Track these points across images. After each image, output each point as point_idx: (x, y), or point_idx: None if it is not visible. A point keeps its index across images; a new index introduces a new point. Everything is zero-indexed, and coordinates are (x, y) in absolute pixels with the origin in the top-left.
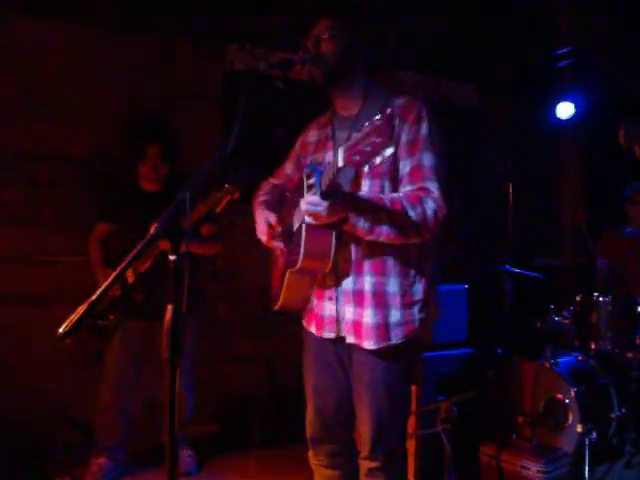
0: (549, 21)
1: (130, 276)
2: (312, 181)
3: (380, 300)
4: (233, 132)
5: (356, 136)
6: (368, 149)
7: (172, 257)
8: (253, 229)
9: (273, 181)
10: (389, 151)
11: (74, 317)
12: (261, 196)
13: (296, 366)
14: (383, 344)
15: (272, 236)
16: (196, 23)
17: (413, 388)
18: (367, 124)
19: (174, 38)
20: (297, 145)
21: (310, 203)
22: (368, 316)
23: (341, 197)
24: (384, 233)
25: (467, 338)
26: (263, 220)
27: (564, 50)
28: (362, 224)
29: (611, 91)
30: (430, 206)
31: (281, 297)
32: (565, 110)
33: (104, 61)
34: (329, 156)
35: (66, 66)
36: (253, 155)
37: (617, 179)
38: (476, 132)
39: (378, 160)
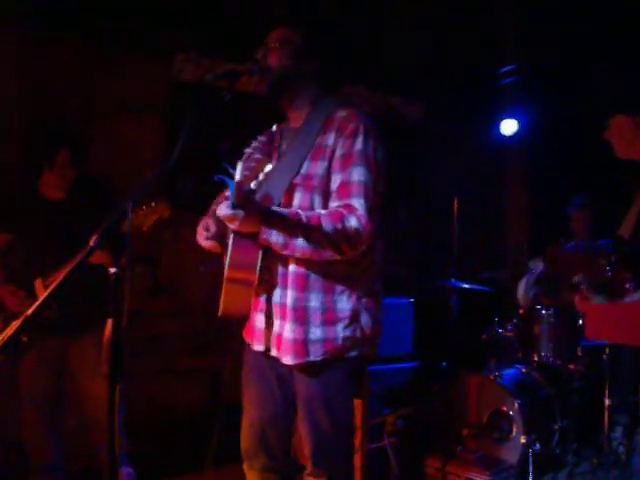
0: (495, 38)
1: (40, 292)
2: (228, 193)
3: (300, 315)
4: (178, 143)
5: (248, 151)
6: (252, 165)
7: (112, 270)
8: (198, 244)
9: (227, 193)
10: (268, 167)
11: (7, 332)
12: (212, 205)
13: (240, 381)
14: (300, 360)
15: (205, 237)
16: (143, 34)
17: (359, 402)
18: (255, 141)
19: (121, 49)
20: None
21: (221, 213)
22: (287, 330)
23: (250, 210)
24: (298, 249)
25: (413, 351)
26: (202, 223)
27: (508, 67)
28: (275, 238)
29: (555, 108)
30: (352, 224)
31: (221, 305)
32: (509, 127)
33: (41, 69)
34: (269, 167)
35: None
36: (199, 166)
37: (561, 195)
38: (422, 148)
39: (261, 176)
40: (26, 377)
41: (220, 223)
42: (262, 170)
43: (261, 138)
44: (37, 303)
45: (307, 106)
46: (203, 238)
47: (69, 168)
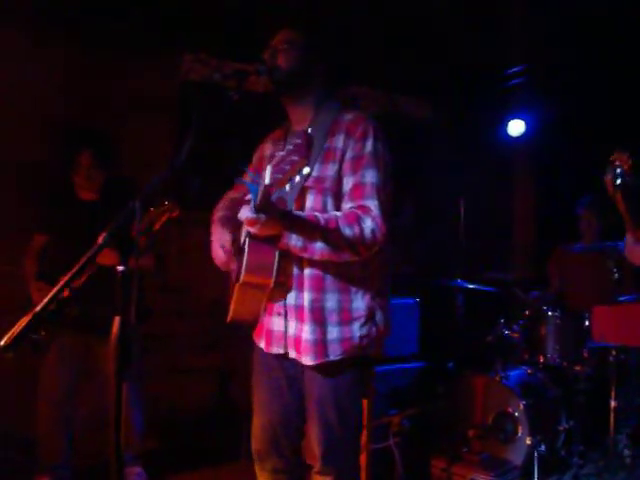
0: (503, 39)
1: (65, 290)
2: (249, 196)
3: (318, 316)
4: (186, 143)
5: (280, 154)
6: (287, 167)
7: (120, 268)
8: (205, 241)
9: (232, 195)
10: (306, 170)
11: (16, 330)
12: (219, 211)
13: (249, 380)
14: (320, 360)
15: (221, 259)
16: (150, 33)
17: (364, 402)
18: (290, 143)
19: (128, 48)
20: (254, 159)
21: (243, 217)
22: (307, 332)
23: (272, 214)
24: (318, 251)
25: (418, 352)
26: (218, 242)
27: (516, 68)
28: (295, 242)
29: (562, 109)
30: (368, 225)
31: (231, 310)
32: (516, 127)
33: (50, 71)
34: (307, 169)
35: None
36: (207, 166)
37: (568, 195)
38: (429, 147)
39: (297, 178)
40: (46, 373)
41: (232, 233)
42: (299, 172)
43: (297, 140)
44: (45, 301)
45: (312, 108)
46: (220, 260)
47: (94, 169)
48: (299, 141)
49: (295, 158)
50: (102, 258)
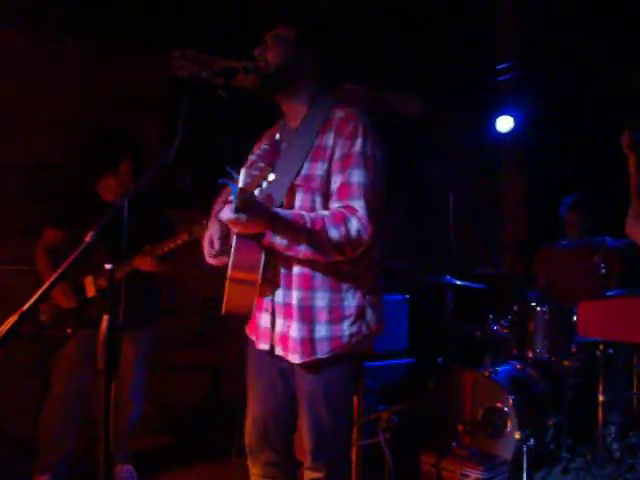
0: (492, 35)
1: (90, 290)
2: (232, 197)
3: (306, 314)
4: (176, 140)
5: (251, 158)
6: (256, 173)
7: (108, 266)
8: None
9: (231, 197)
10: (271, 176)
11: (4, 328)
12: (218, 204)
13: (241, 377)
14: (307, 359)
15: (210, 255)
16: (139, 31)
17: (355, 398)
18: (260, 149)
19: (117, 44)
20: (252, 155)
21: (224, 217)
22: (294, 330)
23: (254, 214)
24: (302, 251)
25: (408, 348)
26: (208, 235)
27: (504, 65)
28: (279, 241)
29: (551, 106)
30: (354, 226)
31: (224, 304)
32: (505, 124)
33: (45, 67)
34: (272, 176)
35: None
36: (200, 162)
37: (557, 191)
38: (420, 143)
39: (264, 184)
40: (62, 368)
41: (224, 229)
42: (266, 178)
43: (265, 146)
44: (32, 300)
45: (304, 104)
46: (209, 256)
47: (130, 177)
48: (267, 147)
49: (261, 164)
50: (140, 263)
